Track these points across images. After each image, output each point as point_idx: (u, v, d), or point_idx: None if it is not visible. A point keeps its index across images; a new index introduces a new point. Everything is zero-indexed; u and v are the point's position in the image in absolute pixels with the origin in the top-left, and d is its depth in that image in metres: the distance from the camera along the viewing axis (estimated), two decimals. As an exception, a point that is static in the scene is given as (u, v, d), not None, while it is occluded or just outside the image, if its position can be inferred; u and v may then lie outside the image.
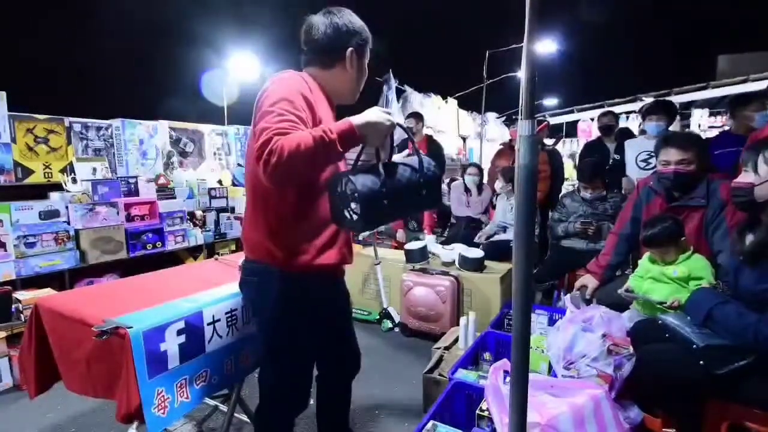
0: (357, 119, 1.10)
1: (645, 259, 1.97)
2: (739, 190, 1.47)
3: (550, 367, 1.84)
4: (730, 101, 3.15)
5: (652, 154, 2.96)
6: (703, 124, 8.79)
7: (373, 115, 1.11)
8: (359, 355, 1.57)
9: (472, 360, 2.03)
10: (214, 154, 4.43)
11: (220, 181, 4.15)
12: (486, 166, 5.08)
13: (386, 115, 1.13)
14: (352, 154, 1.19)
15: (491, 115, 10.00)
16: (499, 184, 3.59)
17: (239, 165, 4.48)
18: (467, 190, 4.02)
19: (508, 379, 1.02)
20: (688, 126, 8.83)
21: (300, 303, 1.25)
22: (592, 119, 9.25)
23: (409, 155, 1.28)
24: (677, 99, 8.24)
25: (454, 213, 4.15)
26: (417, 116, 4.48)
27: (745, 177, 1.46)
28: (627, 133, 4.03)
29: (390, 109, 6.39)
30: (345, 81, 1.30)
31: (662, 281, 1.83)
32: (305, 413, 2.02)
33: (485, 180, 4.35)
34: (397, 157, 1.27)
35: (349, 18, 1.27)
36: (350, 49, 1.25)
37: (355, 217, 1.10)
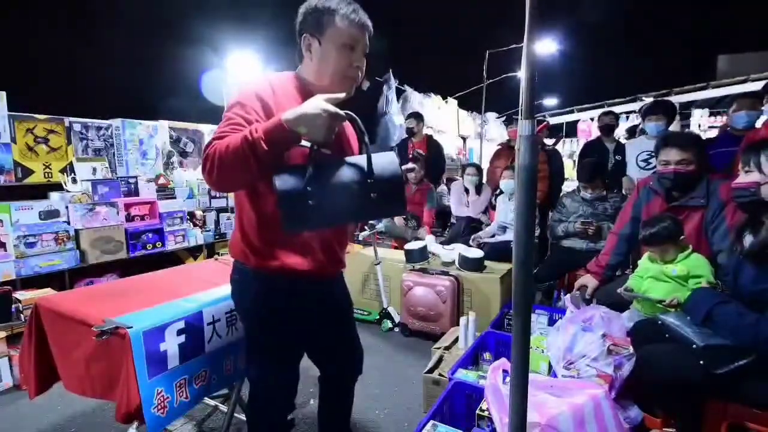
0: (288, 113, 0.99)
1: (645, 258, 1.97)
2: (743, 190, 1.46)
3: (550, 367, 1.84)
4: (730, 102, 3.16)
5: (653, 154, 2.96)
6: (703, 124, 8.78)
7: (308, 106, 0.99)
8: (361, 358, 1.55)
9: (472, 360, 2.03)
10: (214, 154, 4.43)
11: (220, 181, 4.15)
12: (486, 166, 5.08)
13: (324, 105, 0.99)
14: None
15: (491, 115, 10.00)
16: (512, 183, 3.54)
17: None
18: (467, 190, 4.02)
19: (507, 378, 1.02)
20: (688, 126, 8.82)
21: (275, 303, 1.23)
22: (592, 119, 9.25)
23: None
24: (677, 99, 8.23)
25: (454, 213, 4.15)
26: (417, 116, 4.49)
27: (748, 177, 1.45)
28: (635, 131, 4.02)
29: (390, 108, 6.40)
30: (312, 71, 1.20)
31: (662, 280, 1.83)
32: (305, 413, 2.03)
33: (485, 180, 4.35)
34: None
35: (309, 2, 1.17)
36: (303, 34, 1.18)
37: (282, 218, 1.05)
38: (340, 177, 1.06)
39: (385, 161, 1.09)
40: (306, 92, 1.20)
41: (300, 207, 1.02)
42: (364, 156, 1.07)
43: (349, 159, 1.10)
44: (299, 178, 1.03)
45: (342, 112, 1.03)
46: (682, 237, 1.85)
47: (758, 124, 2.68)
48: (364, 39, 1.19)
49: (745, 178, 1.47)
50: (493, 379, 1.47)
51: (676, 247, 1.84)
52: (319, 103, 1.00)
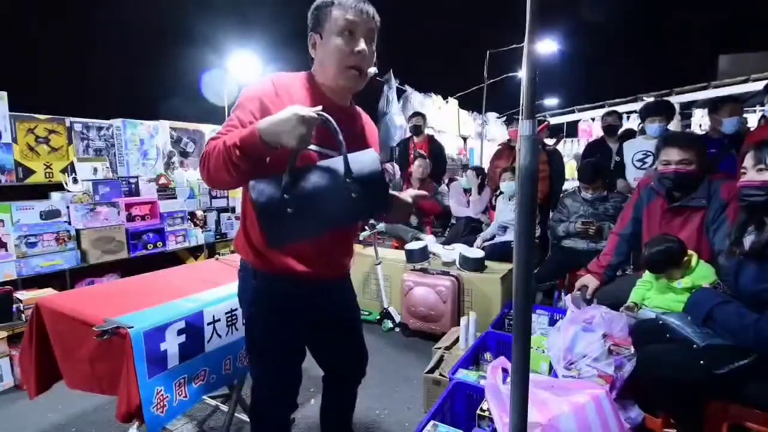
0: (262, 121, 0.99)
1: (648, 273, 1.95)
2: (757, 189, 1.41)
3: (551, 367, 1.83)
4: (709, 105, 3.17)
5: (648, 153, 2.97)
6: (704, 124, 8.77)
7: (282, 113, 0.97)
8: (364, 360, 1.54)
9: (472, 360, 2.03)
10: (215, 154, 4.43)
11: (220, 181, 4.15)
12: (486, 166, 5.07)
13: (295, 108, 0.97)
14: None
15: (492, 115, 10.00)
16: (512, 185, 3.53)
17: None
18: (466, 190, 4.01)
19: (508, 378, 1.02)
20: (689, 126, 8.81)
21: (273, 303, 1.23)
22: (593, 119, 9.24)
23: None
24: (677, 99, 8.21)
25: (454, 213, 4.14)
26: (422, 116, 4.53)
27: (761, 175, 1.40)
28: (630, 135, 4.03)
29: (391, 108, 6.40)
30: (319, 68, 1.18)
31: (667, 291, 1.83)
32: (305, 413, 2.03)
33: (486, 180, 4.33)
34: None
35: (316, 3, 1.16)
36: (309, 34, 1.16)
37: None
38: (318, 180, 1.01)
39: (363, 159, 1.05)
40: (315, 90, 1.18)
41: (279, 217, 0.98)
42: (341, 157, 1.03)
43: (325, 161, 1.07)
44: (275, 187, 0.99)
45: (315, 114, 0.98)
46: (685, 258, 1.79)
47: (754, 122, 2.69)
48: (365, 25, 1.12)
49: (758, 176, 1.42)
50: (493, 378, 1.47)
51: (679, 269, 1.79)
52: (292, 109, 0.98)
